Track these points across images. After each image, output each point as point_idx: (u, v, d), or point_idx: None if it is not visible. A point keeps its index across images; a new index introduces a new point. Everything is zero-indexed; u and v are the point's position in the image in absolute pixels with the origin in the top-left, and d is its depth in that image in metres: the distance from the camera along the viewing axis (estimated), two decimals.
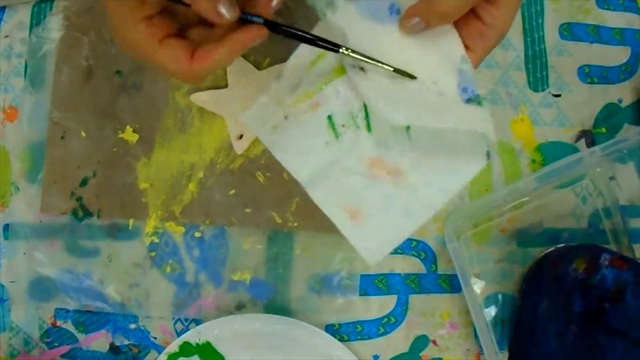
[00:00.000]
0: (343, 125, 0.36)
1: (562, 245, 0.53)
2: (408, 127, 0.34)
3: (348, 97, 0.36)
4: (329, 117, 0.36)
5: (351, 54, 0.34)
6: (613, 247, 0.54)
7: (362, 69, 0.35)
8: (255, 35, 0.33)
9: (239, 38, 0.33)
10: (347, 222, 0.36)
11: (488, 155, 0.35)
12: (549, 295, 0.49)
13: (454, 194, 0.36)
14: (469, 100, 0.35)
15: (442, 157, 0.36)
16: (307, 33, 0.35)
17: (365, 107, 0.36)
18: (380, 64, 0.35)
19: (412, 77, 0.35)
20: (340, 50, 0.34)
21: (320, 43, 0.35)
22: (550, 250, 0.52)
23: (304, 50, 0.37)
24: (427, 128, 0.34)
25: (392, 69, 0.35)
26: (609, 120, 0.55)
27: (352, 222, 0.36)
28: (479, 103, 0.35)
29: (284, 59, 0.52)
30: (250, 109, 0.37)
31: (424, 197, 0.36)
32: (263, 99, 0.37)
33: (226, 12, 0.32)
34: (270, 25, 0.34)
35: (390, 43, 0.36)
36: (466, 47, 0.36)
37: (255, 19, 0.33)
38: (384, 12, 0.36)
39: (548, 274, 0.49)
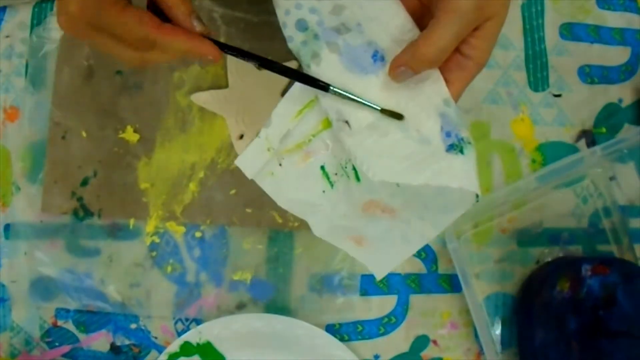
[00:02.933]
0: (335, 174, 0.38)
1: (542, 264, 0.53)
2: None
3: (336, 149, 0.38)
4: (322, 168, 0.39)
5: (338, 90, 0.35)
6: (613, 247, 0.54)
7: (346, 122, 0.36)
8: (209, 50, 0.35)
9: (200, 44, 0.35)
10: (354, 248, 0.40)
11: (477, 197, 0.34)
12: (542, 325, 0.49)
13: (445, 227, 0.37)
14: (450, 147, 0.34)
15: (431, 197, 0.36)
16: (296, 73, 0.36)
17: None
18: (367, 103, 0.35)
19: (399, 116, 0.36)
20: (330, 88, 0.35)
21: (305, 80, 0.36)
22: (533, 270, 0.52)
23: (289, 100, 0.38)
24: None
25: (379, 109, 0.35)
26: (609, 120, 0.55)
27: (358, 248, 0.40)
28: (461, 150, 0.34)
29: (284, 59, 0.53)
30: (243, 155, 0.38)
31: (417, 228, 0.38)
32: (254, 146, 0.38)
33: (197, 25, 0.34)
34: (246, 54, 0.37)
35: (375, 92, 0.36)
36: (445, 80, 0.36)
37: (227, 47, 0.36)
38: (368, 61, 0.36)
39: (535, 303, 0.50)
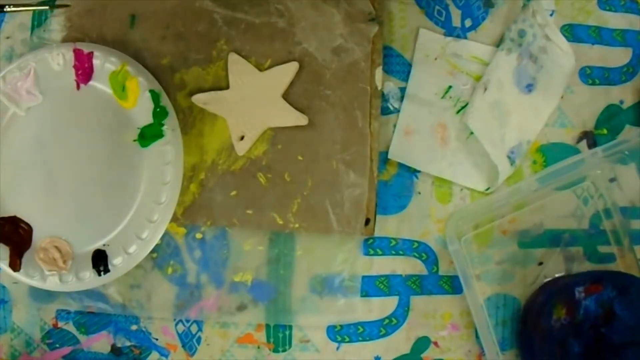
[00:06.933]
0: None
1: (533, 293, 0.53)
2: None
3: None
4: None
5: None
6: (614, 248, 0.54)
7: (485, 88, 0.53)
8: None
9: None
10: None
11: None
12: (546, 356, 0.49)
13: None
14: (509, 156, 0.53)
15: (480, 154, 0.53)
16: None
17: None
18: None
19: None
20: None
21: None
22: (527, 300, 0.53)
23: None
24: None
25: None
26: (610, 122, 0.55)
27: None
28: (511, 163, 0.53)
29: (285, 60, 0.53)
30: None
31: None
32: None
33: None
34: None
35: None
36: None
37: None
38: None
39: (535, 336, 0.50)
